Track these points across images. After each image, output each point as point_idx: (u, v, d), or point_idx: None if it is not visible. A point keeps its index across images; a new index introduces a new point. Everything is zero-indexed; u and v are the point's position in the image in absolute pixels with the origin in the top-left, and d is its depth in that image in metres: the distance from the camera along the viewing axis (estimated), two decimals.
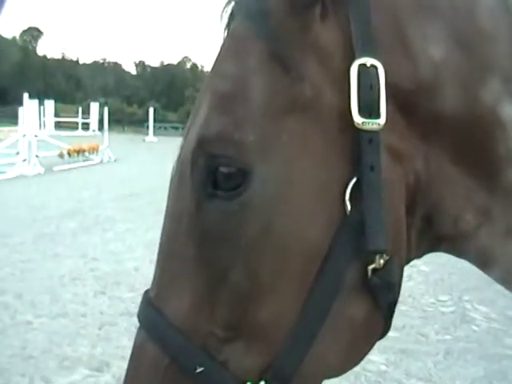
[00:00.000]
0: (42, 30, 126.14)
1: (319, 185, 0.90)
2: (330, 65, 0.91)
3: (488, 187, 0.98)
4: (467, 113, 0.95)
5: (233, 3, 1.02)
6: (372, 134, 0.88)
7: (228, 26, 1.04)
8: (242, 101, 0.91)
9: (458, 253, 1.06)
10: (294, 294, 0.90)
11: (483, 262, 1.05)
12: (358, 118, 0.88)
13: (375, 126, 0.88)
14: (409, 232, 0.98)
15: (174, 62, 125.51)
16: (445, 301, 6.86)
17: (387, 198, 0.90)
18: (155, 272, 1.01)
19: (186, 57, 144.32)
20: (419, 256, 1.07)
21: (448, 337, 5.77)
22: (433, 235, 1.01)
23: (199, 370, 0.90)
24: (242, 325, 0.91)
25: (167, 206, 1.01)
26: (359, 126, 0.88)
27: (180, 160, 0.98)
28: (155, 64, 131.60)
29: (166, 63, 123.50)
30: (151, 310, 0.97)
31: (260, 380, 0.91)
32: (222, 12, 1.05)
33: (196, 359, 0.91)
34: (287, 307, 0.90)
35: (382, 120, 0.88)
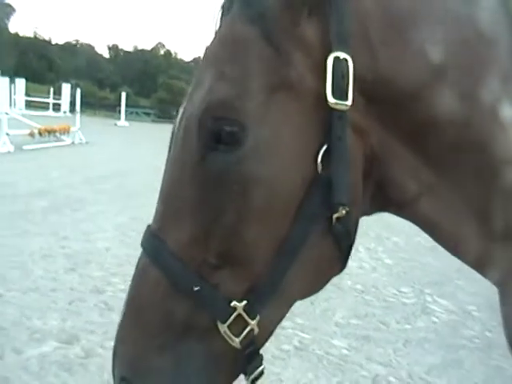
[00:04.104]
0: (14, 6, 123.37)
1: (298, 148, 1.11)
2: (311, 55, 1.11)
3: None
4: (460, 111, 1.12)
5: None
6: (341, 113, 1.10)
7: (222, 16, 1.23)
8: (242, 75, 1.10)
9: (405, 216, 1.28)
10: (273, 233, 1.12)
11: (451, 244, 1.24)
12: (331, 99, 1.09)
13: (343, 107, 1.09)
14: (364, 193, 1.19)
15: (148, 47, 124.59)
16: (406, 293, 7.08)
17: (349, 162, 1.12)
18: (157, 209, 1.20)
19: (159, 43, 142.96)
20: (371, 213, 1.31)
21: (408, 326, 5.97)
22: (383, 198, 1.24)
23: (196, 288, 1.10)
24: (230, 254, 1.12)
25: (170, 154, 1.20)
26: (332, 105, 1.09)
27: (185, 117, 1.17)
28: (128, 48, 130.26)
29: (139, 48, 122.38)
30: (155, 240, 1.16)
31: (243, 300, 1.13)
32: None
33: (192, 281, 1.12)
34: (268, 243, 1.12)
35: (349, 102, 1.09)
